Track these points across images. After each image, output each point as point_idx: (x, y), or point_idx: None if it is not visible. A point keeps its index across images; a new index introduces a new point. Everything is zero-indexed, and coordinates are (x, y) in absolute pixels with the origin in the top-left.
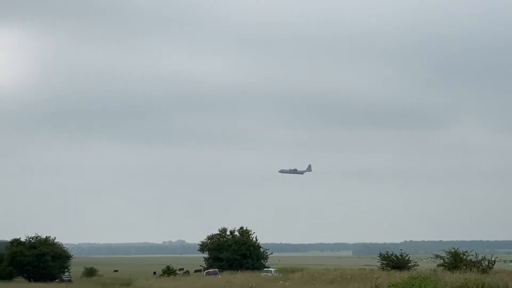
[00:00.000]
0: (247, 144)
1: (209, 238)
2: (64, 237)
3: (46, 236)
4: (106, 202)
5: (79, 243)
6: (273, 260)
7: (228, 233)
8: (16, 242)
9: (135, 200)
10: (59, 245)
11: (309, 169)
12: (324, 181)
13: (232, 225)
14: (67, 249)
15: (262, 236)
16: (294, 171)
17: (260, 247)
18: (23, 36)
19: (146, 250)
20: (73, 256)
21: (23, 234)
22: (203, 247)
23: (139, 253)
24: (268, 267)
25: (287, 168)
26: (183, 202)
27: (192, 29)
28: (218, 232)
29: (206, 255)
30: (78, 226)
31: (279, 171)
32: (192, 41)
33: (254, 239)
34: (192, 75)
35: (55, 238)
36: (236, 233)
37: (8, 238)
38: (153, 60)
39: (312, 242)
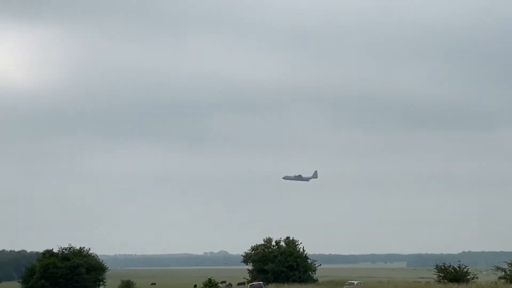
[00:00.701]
0: (292, 149)
1: (253, 248)
2: (99, 248)
3: (80, 247)
4: (143, 210)
5: (115, 255)
6: (321, 272)
7: (273, 243)
8: (48, 253)
9: (174, 208)
10: (93, 256)
11: (315, 175)
12: (376, 187)
13: (278, 235)
14: (102, 261)
15: (310, 247)
16: (299, 178)
17: (308, 258)
18: (58, 33)
19: (186, 261)
20: (109, 268)
21: (55, 244)
22: (247, 258)
23: (178, 265)
24: (352, 281)
25: (291, 174)
26: (225, 211)
27: (235, 27)
28: (263, 243)
29: (250, 267)
30: (113, 237)
31: (283, 178)
32: (234, 40)
33: (301, 249)
34: (235, 76)
35: (89, 249)
36: (282, 243)
37: (40, 248)
38: (194, 59)
39: (363, 253)
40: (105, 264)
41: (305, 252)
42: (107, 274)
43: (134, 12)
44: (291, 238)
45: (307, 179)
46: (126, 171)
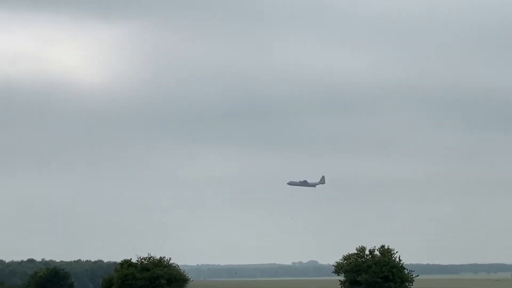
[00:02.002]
0: (389, 150)
1: (345, 258)
2: (180, 258)
3: (160, 257)
4: (227, 217)
5: (197, 265)
6: (419, 283)
7: (367, 252)
8: (126, 263)
9: (259, 215)
10: (175, 266)
11: (322, 181)
12: (477, 189)
13: (372, 243)
14: (184, 272)
15: (406, 256)
16: (304, 184)
17: (404, 268)
18: (139, 31)
19: (273, 272)
20: (191, 280)
21: (133, 254)
22: (338, 268)
23: (264, 276)
24: None
25: (296, 179)
26: (315, 217)
27: (324, 20)
28: (356, 252)
29: (342, 277)
30: (196, 246)
31: (288, 183)
32: (326, 35)
33: (397, 259)
34: (326, 74)
35: (170, 259)
36: (377, 252)
37: (117, 258)
38: (282, 57)
39: (464, 262)
40: (187, 275)
41: (401, 262)
42: (189, 285)
43: (216, 8)
44: (386, 247)
45: (313, 185)
46: (207, 176)
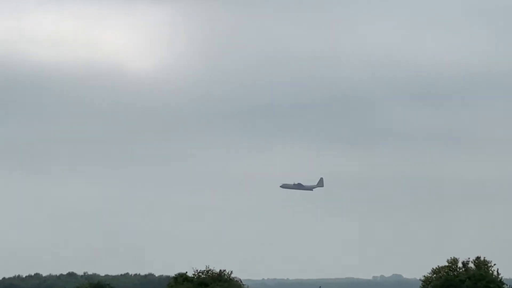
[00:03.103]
0: (487, 146)
1: (434, 271)
2: (243, 271)
3: (220, 270)
4: (296, 225)
5: (263, 279)
6: None
7: (460, 264)
8: (181, 277)
9: (332, 222)
10: (237, 281)
11: (320, 184)
12: None
13: (465, 254)
14: (247, 287)
15: (506, 269)
16: (299, 187)
17: (504, 283)
18: (194, 11)
19: (352, 286)
20: None
21: (189, 267)
22: (426, 283)
23: None
24: None
25: (290, 182)
26: (397, 224)
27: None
28: (447, 264)
29: None
30: (260, 257)
31: (281, 186)
32: (415, 17)
33: (495, 272)
34: (408, 60)
35: (231, 272)
36: (471, 265)
37: (170, 272)
38: (363, 42)
39: None
40: None
41: (500, 276)
42: None
43: None
44: (482, 258)
45: (310, 188)
46: (272, 177)
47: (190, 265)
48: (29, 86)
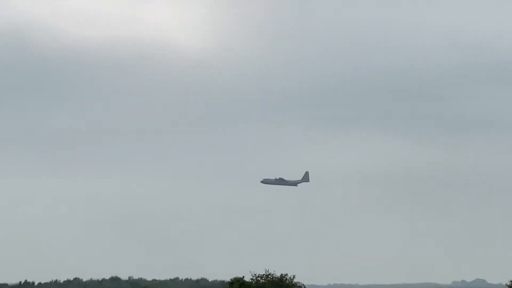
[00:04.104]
0: None
1: None
2: (306, 276)
3: (282, 274)
4: (368, 224)
5: (329, 284)
6: None
7: None
8: (237, 282)
9: (409, 222)
10: (300, 286)
11: (305, 178)
12: None
13: None
14: None
15: None
16: (281, 182)
17: None
18: None
19: None
20: None
21: (247, 270)
22: None
23: None
24: None
25: (272, 177)
26: (481, 224)
27: None
28: None
29: None
30: (325, 260)
31: (262, 181)
32: None
33: None
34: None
35: (293, 276)
36: None
37: (226, 276)
38: (443, 20)
39: None
40: None
41: None
42: None
43: None
44: None
45: (294, 184)
46: (337, 169)
47: (248, 268)
48: (66, 69)
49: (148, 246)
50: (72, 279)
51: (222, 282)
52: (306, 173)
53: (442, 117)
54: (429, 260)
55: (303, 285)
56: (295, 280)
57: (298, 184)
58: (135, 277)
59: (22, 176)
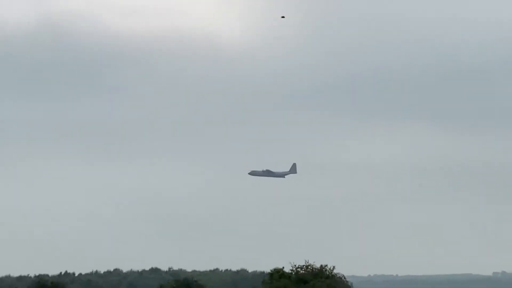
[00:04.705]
0: None
1: None
2: (347, 267)
3: (321, 265)
4: (408, 214)
5: (369, 275)
6: None
7: None
8: (277, 273)
9: (448, 212)
10: (340, 277)
11: (293, 170)
12: None
13: None
14: (351, 284)
15: None
16: (268, 174)
17: None
18: None
19: (469, 284)
20: None
21: (286, 261)
22: None
23: None
24: None
25: (259, 169)
26: None
27: None
28: None
29: None
30: (366, 251)
31: (249, 173)
32: None
33: None
34: None
35: (333, 267)
36: None
37: (265, 267)
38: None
39: None
40: None
41: None
42: None
43: None
44: None
45: (281, 175)
46: (383, 162)
47: (287, 259)
48: (108, 60)
49: (188, 237)
50: (112, 270)
51: (262, 273)
52: (294, 165)
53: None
54: (469, 251)
55: (343, 276)
56: (335, 271)
57: (285, 176)
58: (175, 268)
59: (62, 168)
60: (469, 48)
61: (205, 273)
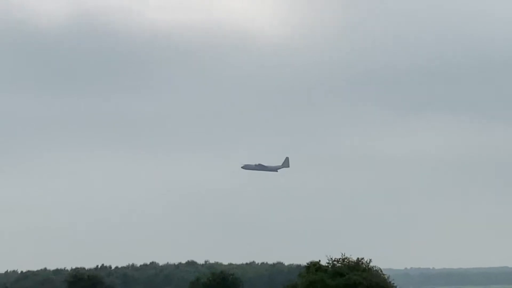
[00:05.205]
0: None
1: None
2: (384, 260)
3: (358, 258)
4: (446, 208)
5: (406, 269)
6: None
7: None
8: (314, 266)
9: (487, 205)
10: (376, 271)
11: (285, 164)
12: None
13: None
14: (388, 277)
15: None
16: (260, 167)
17: None
18: None
19: (506, 276)
20: None
21: (323, 254)
22: None
23: (498, 283)
24: None
25: (252, 163)
26: None
27: None
28: None
29: None
30: (403, 244)
31: (242, 167)
32: None
33: None
34: None
35: (370, 260)
36: None
37: (301, 260)
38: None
39: None
40: (392, 282)
41: None
42: None
43: None
44: None
45: (274, 169)
46: (422, 155)
47: (324, 253)
48: (143, 54)
49: (225, 230)
50: (148, 263)
51: (299, 266)
52: (286, 159)
53: None
54: (506, 244)
55: (380, 269)
56: (371, 264)
57: (278, 170)
58: (211, 261)
59: (100, 162)
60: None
61: (241, 266)
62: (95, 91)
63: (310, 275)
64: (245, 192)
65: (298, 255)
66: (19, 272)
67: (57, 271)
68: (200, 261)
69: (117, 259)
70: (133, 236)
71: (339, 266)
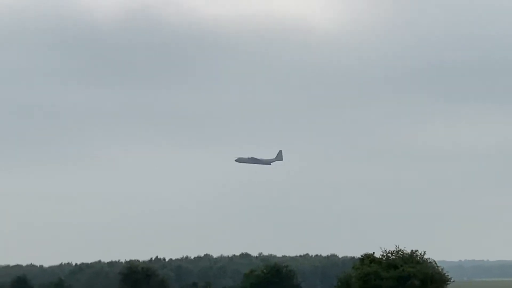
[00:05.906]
0: None
1: None
2: (438, 252)
3: (412, 250)
4: (501, 199)
5: (459, 260)
6: None
7: None
8: (368, 258)
9: None
10: (431, 263)
11: (279, 157)
12: None
13: None
14: (442, 269)
15: None
16: (253, 160)
17: None
18: None
19: None
20: (452, 280)
21: (377, 246)
22: None
23: None
24: None
25: (245, 156)
26: None
27: None
28: None
29: None
30: (458, 236)
31: (236, 160)
32: None
33: None
34: None
35: (424, 253)
36: None
37: (356, 252)
38: None
39: None
40: (446, 274)
41: None
42: (450, 287)
43: None
44: None
45: (267, 163)
46: (468, 147)
47: (378, 245)
48: (196, 46)
49: (278, 222)
50: (202, 255)
51: (352, 258)
52: (280, 152)
53: None
54: None
55: (434, 261)
56: (425, 257)
57: (271, 163)
58: (265, 253)
59: (154, 155)
60: None
61: (295, 258)
62: (146, 84)
63: (365, 267)
64: (299, 185)
65: (352, 247)
66: (74, 264)
67: (111, 264)
68: (254, 253)
69: (171, 252)
70: (188, 228)
71: (393, 258)
